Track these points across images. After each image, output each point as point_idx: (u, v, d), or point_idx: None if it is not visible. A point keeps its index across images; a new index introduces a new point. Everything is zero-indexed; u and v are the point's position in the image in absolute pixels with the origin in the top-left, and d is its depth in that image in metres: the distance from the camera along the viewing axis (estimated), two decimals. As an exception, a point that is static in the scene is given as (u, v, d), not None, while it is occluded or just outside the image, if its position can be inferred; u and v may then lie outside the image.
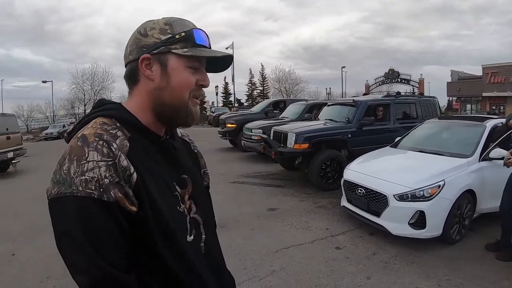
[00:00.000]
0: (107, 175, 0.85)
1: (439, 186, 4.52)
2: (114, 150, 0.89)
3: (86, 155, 0.86)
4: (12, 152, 11.83)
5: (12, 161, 12.01)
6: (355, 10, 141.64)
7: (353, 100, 9.05)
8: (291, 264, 4.22)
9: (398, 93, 10.18)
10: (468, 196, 4.76)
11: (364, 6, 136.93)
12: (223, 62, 1.13)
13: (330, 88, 64.39)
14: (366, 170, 5.51)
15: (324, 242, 4.83)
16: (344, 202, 5.66)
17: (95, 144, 0.88)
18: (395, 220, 4.65)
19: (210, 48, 1.07)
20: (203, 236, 1.11)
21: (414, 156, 5.73)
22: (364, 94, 11.71)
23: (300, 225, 5.42)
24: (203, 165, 1.36)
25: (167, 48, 0.99)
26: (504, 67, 37.01)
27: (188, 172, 1.13)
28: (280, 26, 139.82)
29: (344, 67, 56.25)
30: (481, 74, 39.81)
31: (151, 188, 0.94)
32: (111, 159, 0.87)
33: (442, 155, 5.41)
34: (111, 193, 0.85)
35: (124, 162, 0.89)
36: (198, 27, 1.06)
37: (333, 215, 5.88)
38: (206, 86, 1.08)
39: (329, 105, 10.03)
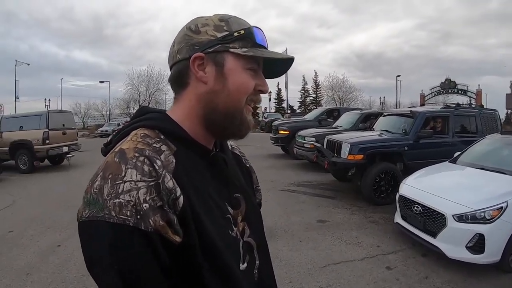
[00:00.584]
0: (148, 198, 0.73)
1: (501, 208, 4.22)
2: (157, 168, 0.77)
3: (123, 174, 0.74)
4: (67, 147, 12.61)
5: (67, 155, 12.78)
6: (411, 17, 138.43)
7: (411, 111, 8.75)
8: (339, 281, 4.08)
9: (458, 104, 9.81)
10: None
11: (419, 13, 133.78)
12: (281, 66, 1.00)
13: (384, 97, 63.18)
14: (423, 186, 5.27)
15: (375, 260, 4.63)
16: (398, 219, 5.42)
17: (134, 160, 0.77)
18: (451, 242, 4.38)
19: (268, 49, 0.96)
20: (257, 262, 1.00)
21: (474, 174, 5.43)
22: (421, 105, 11.34)
23: (350, 240, 5.24)
24: (255, 181, 1.22)
25: (224, 47, 0.88)
26: None
27: (241, 190, 1.01)
28: (333, 33, 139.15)
29: (399, 76, 54.95)
30: None
31: (200, 213, 0.82)
32: (153, 179, 0.75)
33: (504, 173, 5.08)
34: (151, 220, 0.73)
35: (170, 183, 0.77)
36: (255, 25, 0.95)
37: (385, 231, 5.66)
38: (265, 92, 0.96)
39: (385, 115, 9.77)
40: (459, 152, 6.46)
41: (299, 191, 8.08)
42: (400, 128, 8.19)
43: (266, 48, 0.94)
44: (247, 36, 0.90)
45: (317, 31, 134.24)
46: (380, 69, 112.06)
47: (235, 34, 0.89)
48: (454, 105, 9.60)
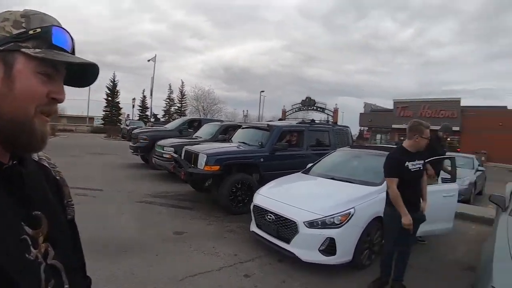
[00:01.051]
0: None
1: (349, 214, 4.55)
2: None
3: None
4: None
5: None
6: (280, 38, 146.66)
7: (268, 124, 9.06)
8: (197, 293, 3.93)
9: (313, 120, 10.37)
10: (377, 223, 4.82)
11: (288, 36, 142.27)
12: (89, 74, 0.87)
13: (247, 110, 65.35)
14: (276, 195, 5.43)
15: (232, 269, 4.60)
16: (253, 227, 5.50)
17: None
18: (305, 247, 4.58)
19: (73, 54, 0.84)
20: (66, 286, 0.84)
21: (325, 183, 5.76)
22: (280, 119, 11.85)
23: (208, 251, 5.13)
24: (67, 195, 1.02)
25: (17, 46, 0.75)
26: (413, 103, 43.13)
27: (42, 207, 0.84)
28: (204, 45, 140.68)
29: (263, 91, 57.45)
30: (392, 108, 44.27)
31: None
32: None
33: (352, 182, 5.48)
34: None
35: None
36: (62, 26, 0.82)
37: (242, 240, 5.67)
38: (60, 101, 0.81)
39: (243, 128, 9.95)
40: (311, 164, 6.80)
41: (156, 203, 7.75)
42: (257, 141, 8.36)
43: (67, 51, 0.82)
44: (44, 35, 0.78)
45: (189, 41, 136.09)
46: (247, 84, 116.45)
47: (30, 32, 0.77)
48: (309, 121, 10.14)
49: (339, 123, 16.72)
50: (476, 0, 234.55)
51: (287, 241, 4.73)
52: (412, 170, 4.06)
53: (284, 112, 51.99)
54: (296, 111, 50.73)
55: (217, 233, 5.97)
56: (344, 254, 4.54)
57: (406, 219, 3.90)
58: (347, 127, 10.99)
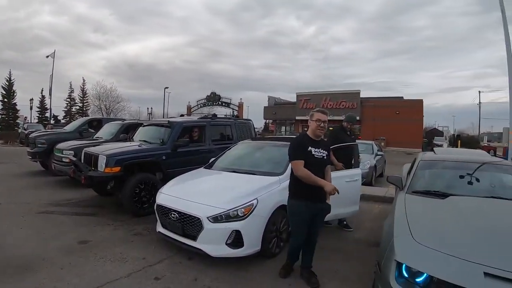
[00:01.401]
0: None
1: (252, 205, 4.66)
2: None
3: None
4: None
5: None
6: (184, 33, 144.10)
7: (168, 121, 8.94)
8: (105, 305, 3.80)
9: (214, 115, 10.37)
10: (282, 212, 4.96)
11: (193, 31, 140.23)
12: None
13: (151, 108, 63.97)
14: (179, 193, 5.38)
15: (142, 273, 4.50)
16: (159, 228, 5.44)
17: None
18: (212, 242, 4.63)
19: None
20: None
21: (228, 177, 5.82)
22: (181, 115, 11.68)
23: (115, 257, 4.97)
24: None
25: None
26: (315, 95, 46.26)
27: None
28: (108, 40, 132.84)
29: (167, 87, 56.60)
30: (295, 101, 46.51)
31: None
32: None
33: (254, 174, 5.60)
34: None
35: None
36: None
37: (150, 242, 5.59)
38: None
39: (144, 126, 9.70)
40: (214, 158, 6.86)
41: (57, 212, 7.33)
42: (158, 138, 8.25)
43: None
44: None
45: (92, 35, 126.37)
46: (151, 81, 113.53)
47: None
48: (211, 115, 10.13)
49: (244, 117, 17.14)
50: (375, 1, 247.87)
51: (194, 238, 4.74)
52: (316, 156, 4.20)
53: (189, 108, 51.95)
54: (201, 107, 51.08)
55: (124, 238, 5.80)
56: (251, 245, 4.66)
57: (328, 186, 4.04)
58: (249, 120, 11.19)
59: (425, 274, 2.80)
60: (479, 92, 69.07)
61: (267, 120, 54.24)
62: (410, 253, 3.00)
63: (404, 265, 2.92)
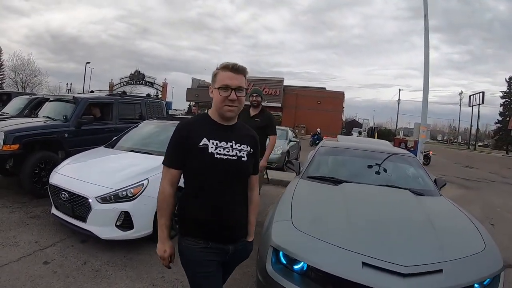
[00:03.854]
0: None
1: (142, 185, 4.53)
2: None
3: None
4: None
5: None
6: (114, 6, 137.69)
7: (73, 96, 8.45)
8: (-5, 290, 3.60)
9: (124, 93, 10.20)
10: (177, 193, 4.84)
11: (123, 5, 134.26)
12: None
13: (71, 84, 61.22)
14: (72, 172, 5.13)
15: (32, 258, 4.28)
16: (53, 210, 5.15)
17: None
18: (101, 224, 4.47)
19: None
20: None
21: (125, 156, 5.66)
22: (91, 92, 11.22)
23: (7, 242, 4.68)
24: None
25: None
26: None
27: None
28: (32, 7, 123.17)
29: (88, 62, 54.33)
30: None
31: None
32: None
33: (152, 154, 5.46)
34: None
35: None
36: None
37: (45, 225, 5.32)
38: None
39: (50, 101, 9.13)
40: (115, 137, 6.66)
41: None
42: (62, 115, 7.81)
43: None
44: None
45: (16, 0, 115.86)
46: (74, 54, 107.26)
47: None
48: (120, 93, 9.85)
49: (168, 98, 16.74)
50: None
51: (84, 219, 4.55)
52: (217, 156, 3.91)
53: (111, 85, 50.22)
54: (124, 85, 49.59)
55: (20, 221, 5.48)
56: (142, 227, 4.54)
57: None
58: (162, 100, 11.07)
59: (302, 262, 2.75)
60: (399, 89, 75.59)
61: (191, 103, 53.90)
62: (287, 239, 2.92)
63: (281, 252, 2.85)
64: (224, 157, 2.18)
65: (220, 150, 2.19)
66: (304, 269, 2.76)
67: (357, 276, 2.49)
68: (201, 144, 2.15)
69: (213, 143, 2.18)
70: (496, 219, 8.44)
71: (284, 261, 2.86)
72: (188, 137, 2.18)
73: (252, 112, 5.85)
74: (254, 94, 5.77)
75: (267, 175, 7.20)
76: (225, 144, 2.21)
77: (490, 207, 9.85)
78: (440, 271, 2.55)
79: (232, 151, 2.22)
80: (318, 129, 35.89)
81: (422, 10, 12.53)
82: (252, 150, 2.31)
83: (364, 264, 2.55)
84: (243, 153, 2.26)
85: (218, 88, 2.16)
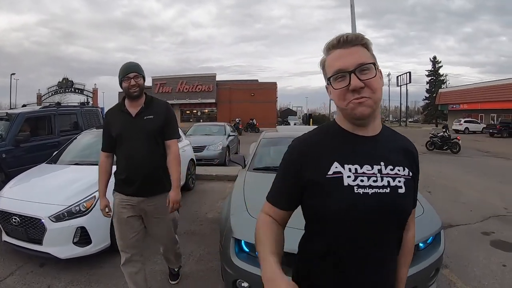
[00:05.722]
0: None
1: (94, 197, 4.45)
2: None
3: None
4: None
5: None
6: (35, 11, 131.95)
7: (7, 113, 8.06)
8: None
9: (58, 103, 9.80)
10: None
11: (45, 9, 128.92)
12: None
13: (-5, 98, 58.12)
14: (18, 194, 4.94)
15: None
16: (4, 237, 4.92)
17: None
18: (59, 243, 4.35)
19: None
20: None
21: (71, 170, 5.54)
22: (23, 106, 10.74)
23: None
24: None
25: None
26: (171, 79, 47.49)
27: None
28: None
29: (13, 74, 51.46)
30: (151, 85, 46.58)
31: None
32: None
33: (97, 165, 5.29)
34: None
35: None
36: None
37: (-2, 255, 5.10)
38: None
39: None
40: (56, 152, 6.48)
41: None
42: None
43: None
44: None
45: None
46: None
47: None
48: (54, 104, 9.51)
49: (99, 103, 16.23)
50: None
51: (40, 242, 4.41)
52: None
53: (39, 96, 47.90)
54: (52, 95, 47.28)
55: None
56: (100, 240, 4.49)
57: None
58: (97, 108, 10.87)
59: None
60: None
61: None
62: (247, 229, 3.01)
63: (243, 241, 3.06)
64: (371, 191, 1.34)
65: (363, 181, 1.35)
66: None
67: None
68: (330, 173, 1.36)
69: (350, 170, 1.36)
70: (432, 187, 9.35)
71: (246, 249, 3.06)
72: (306, 164, 1.42)
73: (132, 106, 3.23)
74: (131, 74, 3.10)
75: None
76: (370, 169, 1.37)
77: (426, 176, 10.54)
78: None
79: (382, 180, 1.37)
80: (238, 119, 38.86)
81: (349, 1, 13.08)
82: (411, 173, 1.45)
83: None
84: (400, 181, 1.39)
85: (330, 79, 1.37)
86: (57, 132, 8.39)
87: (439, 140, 18.94)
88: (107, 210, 3.29)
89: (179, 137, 3.38)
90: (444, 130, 19.56)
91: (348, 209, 1.30)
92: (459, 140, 18.48)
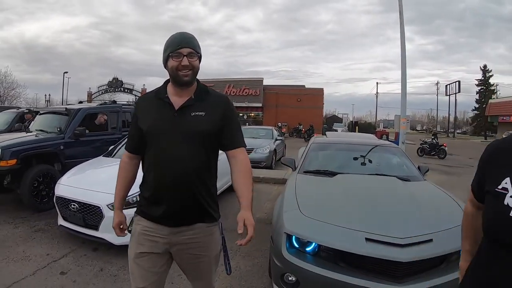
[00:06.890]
0: None
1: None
2: None
3: None
4: None
5: None
6: (87, 14, 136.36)
7: (66, 108, 8.51)
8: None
9: (114, 101, 10.17)
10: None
11: (96, 12, 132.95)
12: None
13: (49, 94, 60.17)
14: (77, 183, 5.33)
15: (47, 270, 4.38)
16: (60, 221, 5.31)
17: None
18: (114, 230, 4.65)
19: None
20: None
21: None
22: (79, 102, 11.25)
23: (18, 256, 4.76)
24: None
25: None
26: (219, 82, 46.44)
27: None
28: (5, 18, 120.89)
29: (66, 72, 53.30)
30: None
31: None
32: None
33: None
34: None
35: None
36: None
37: (52, 237, 5.44)
38: None
39: (41, 114, 9.16)
40: (113, 146, 6.86)
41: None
42: (55, 127, 7.87)
43: None
44: None
45: None
46: (50, 65, 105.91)
47: None
48: (111, 102, 9.92)
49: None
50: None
51: (96, 228, 4.75)
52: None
53: (90, 94, 49.26)
54: (102, 93, 48.48)
55: (26, 236, 5.56)
56: None
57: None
58: None
59: (314, 243, 3.18)
60: (377, 83, 77.55)
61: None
62: (298, 225, 3.33)
63: (293, 237, 3.27)
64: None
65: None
66: (316, 249, 3.19)
67: (363, 249, 2.95)
68: (500, 187, 1.28)
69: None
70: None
71: (296, 245, 3.27)
72: (489, 168, 1.40)
73: (177, 94, 2.18)
74: (185, 50, 2.09)
75: None
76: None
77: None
78: (431, 240, 3.03)
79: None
80: (280, 123, 39.21)
81: (398, 6, 12.87)
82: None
83: (367, 239, 2.99)
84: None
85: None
86: (111, 128, 8.77)
87: (428, 146, 20.93)
88: (122, 226, 2.53)
89: (245, 145, 2.33)
90: (432, 137, 21.43)
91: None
92: (445, 147, 20.29)
